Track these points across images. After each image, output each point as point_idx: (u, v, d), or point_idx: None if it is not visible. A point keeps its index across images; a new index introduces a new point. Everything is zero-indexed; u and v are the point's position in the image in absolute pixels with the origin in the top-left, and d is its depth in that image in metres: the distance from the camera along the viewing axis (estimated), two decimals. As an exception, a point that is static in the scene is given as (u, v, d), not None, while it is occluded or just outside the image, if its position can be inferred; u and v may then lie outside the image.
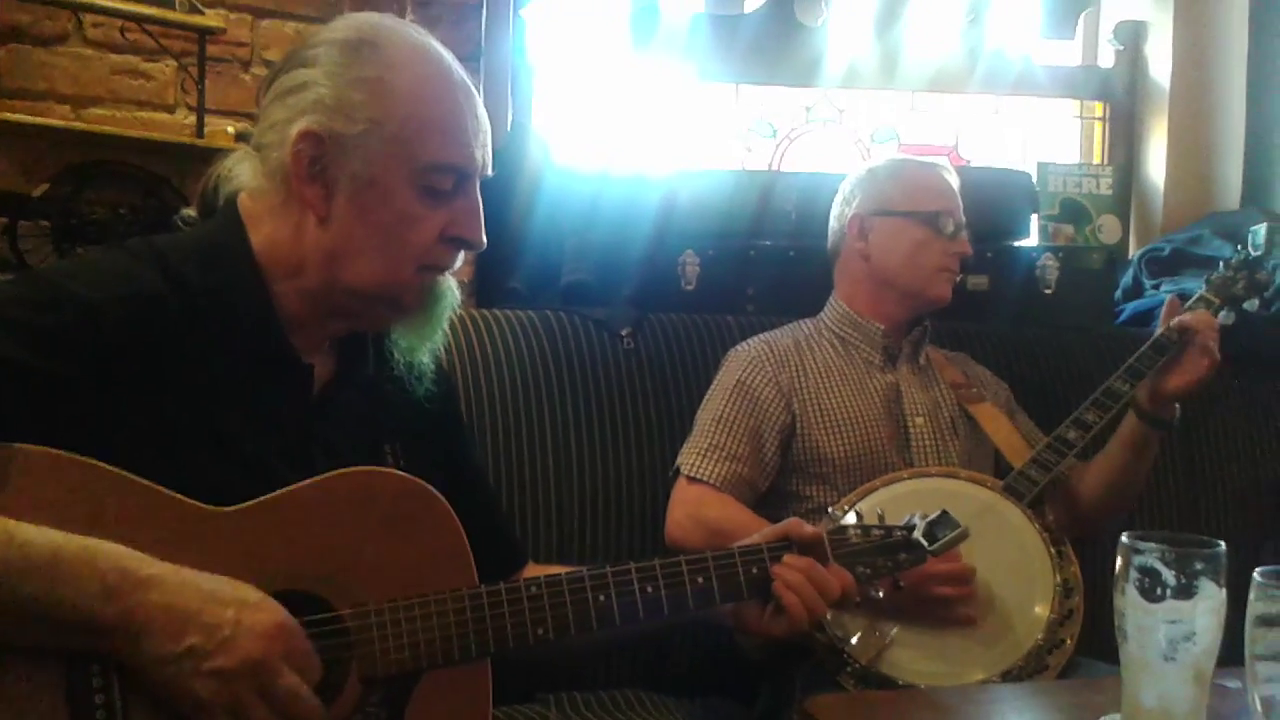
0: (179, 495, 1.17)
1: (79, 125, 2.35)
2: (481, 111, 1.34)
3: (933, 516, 1.47)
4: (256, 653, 1.09)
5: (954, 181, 2.18)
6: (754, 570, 1.40)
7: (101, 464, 1.14)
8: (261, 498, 1.21)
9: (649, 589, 1.35)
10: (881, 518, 1.49)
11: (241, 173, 1.34)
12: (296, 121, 1.26)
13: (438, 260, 1.33)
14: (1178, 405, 2.02)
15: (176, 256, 1.27)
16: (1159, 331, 2.02)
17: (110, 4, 2.24)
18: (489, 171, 1.36)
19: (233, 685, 1.09)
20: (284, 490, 1.22)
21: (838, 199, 2.24)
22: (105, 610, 1.07)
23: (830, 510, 1.49)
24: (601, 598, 1.32)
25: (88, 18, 2.38)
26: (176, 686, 1.09)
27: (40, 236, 2.24)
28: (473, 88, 1.34)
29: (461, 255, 1.36)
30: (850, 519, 1.50)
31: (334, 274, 1.29)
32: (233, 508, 1.20)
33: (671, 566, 1.37)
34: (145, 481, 1.16)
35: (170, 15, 2.29)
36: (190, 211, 1.41)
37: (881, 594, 1.45)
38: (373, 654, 1.22)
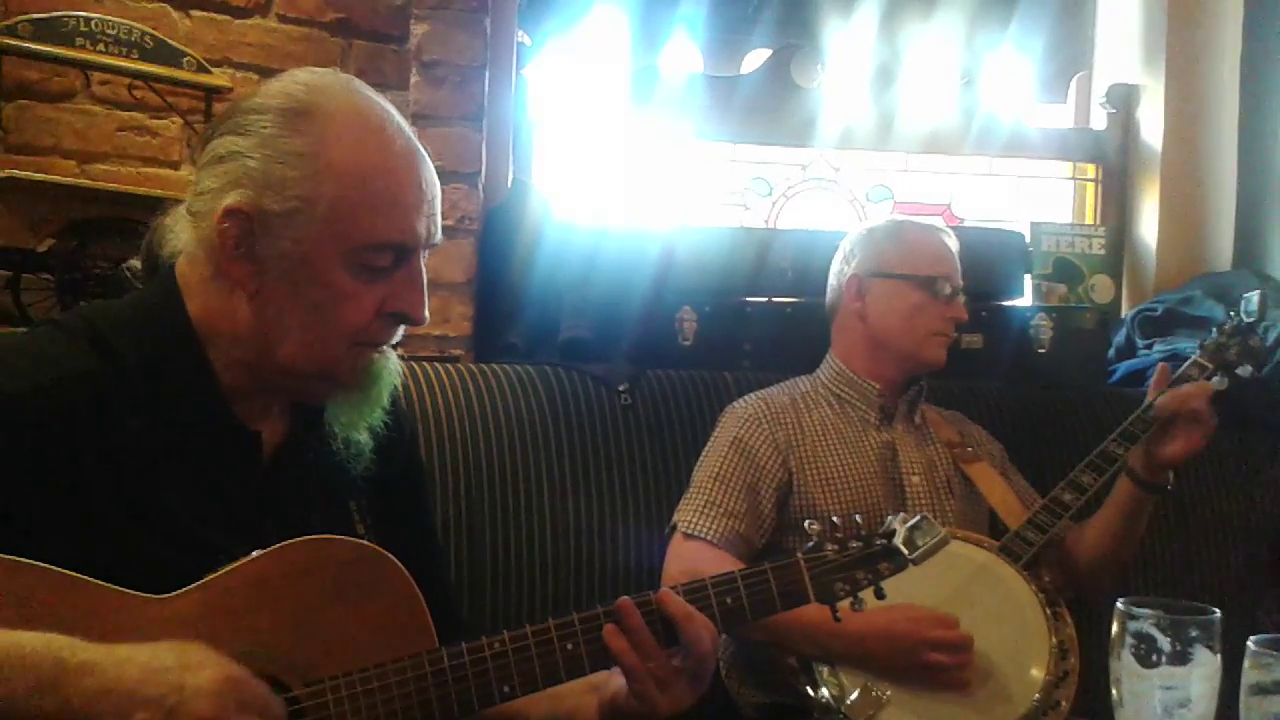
0: (113, 586, 1.12)
1: (84, 181, 2.38)
2: (427, 177, 1.27)
3: (912, 521, 1.41)
4: (209, 712, 1.04)
5: (954, 245, 2.19)
6: (728, 601, 1.34)
7: (27, 561, 1.09)
8: (203, 580, 1.16)
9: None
10: (859, 524, 1.43)
11: (178, 234, 1.28)
12: (225, 195, 1.20)
13: (374, 336, 1.28)
14: (1173, 472, 2.03)
15: (111, 328, 1.23)
16: (1149, 399, 2.03)
17: (119, 63, 2.28)
18: (436, 240, 1.29)
19: None
20: (226, 569, 1.17)
21: (838, 257, 2.25)
22: (43, 704, 1.01)
23: (807, 523, 1.45)
24: (570, 646, 1.26)
25: (96, 75, 2.42)
26: None
27: (44, 290, 2.26)
28: (418, 153, 1.27)
29: (401, 329, 1.31)
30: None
31: (267, 349, 1.24)
32: (172, 594, 1.14)
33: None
34: (75, 575, 1.10)
35: (178, 74, 2.33)
36: (135, 263, 1.36)
37: (865, 606, 1.40)
38: None
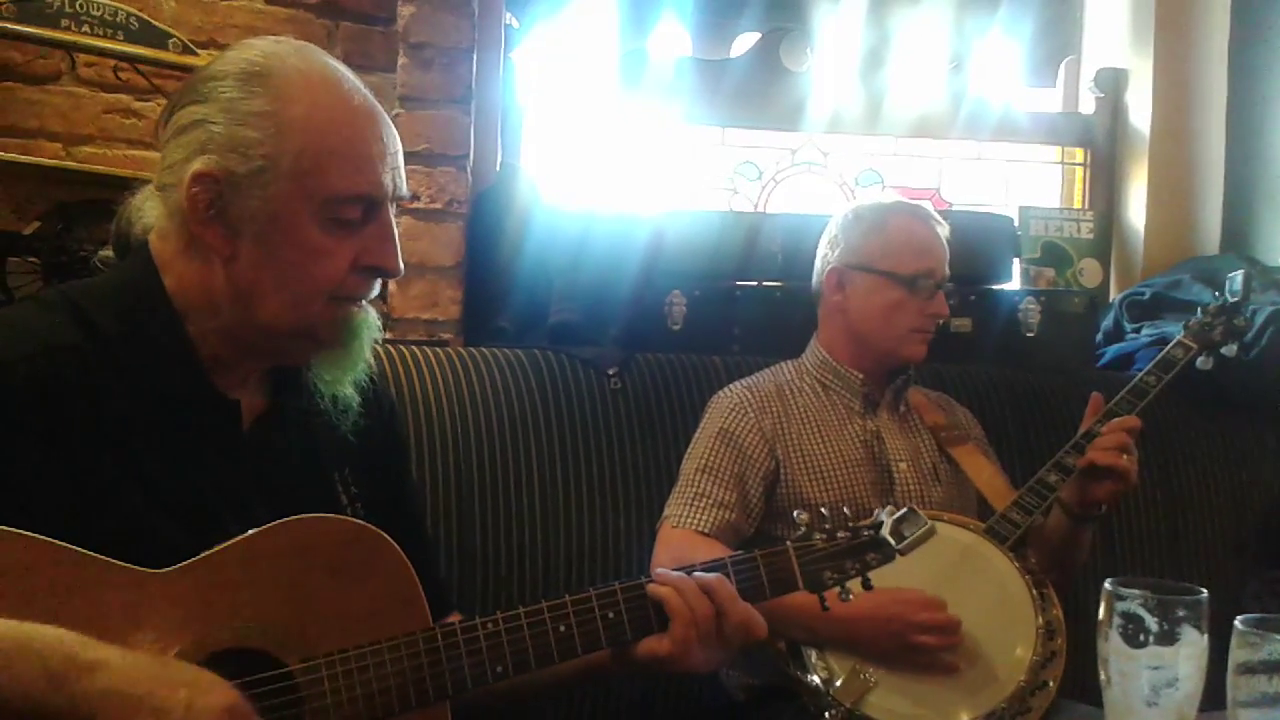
0: (112, 560, 1.13)
1: (70, 164, 2.36)
2: (389, 132, 1.29)
3: (900, 514, 1.44)
4: None
5: (943, 232, 2.16)
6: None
7: (27, 533, 1.09)
8: (202, 555, 1.17)
9: (610, 614, 1.32)
10: (846, 515, 1.45)
11: (148, 213, 1.30)
12: (191, 162, 1.22)
13: (352, 291, 1.29)
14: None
15: (90, 304, 1.24)
16: (1083, 429, 2.02)
17: (104, 44, 2.26)
18: (404, 192, 1.31)
19: None
20: (225, 545, 1.18)
21: (823, 240, 2.24)
22: (52, 699, 1.01)
23: (795, 514, 1.47)
24: (562, 628, 1.28)
25: (81, 57, 2.40)
26: None
27: (30, 273, 2.25)
28: (378, 109, 1.29)
29: (378, 283, 1.32)
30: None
31: (246, 313, 1.26)
32: (171, 568, 1.16)
33: (634, 590, 1.33)
34: (75, 549, 1.11)
35: (163, 56, 2.31)
36: (107, 253, 1.37)
37: (852, 597, 1.42)
38: (325, 708, 1.17)
